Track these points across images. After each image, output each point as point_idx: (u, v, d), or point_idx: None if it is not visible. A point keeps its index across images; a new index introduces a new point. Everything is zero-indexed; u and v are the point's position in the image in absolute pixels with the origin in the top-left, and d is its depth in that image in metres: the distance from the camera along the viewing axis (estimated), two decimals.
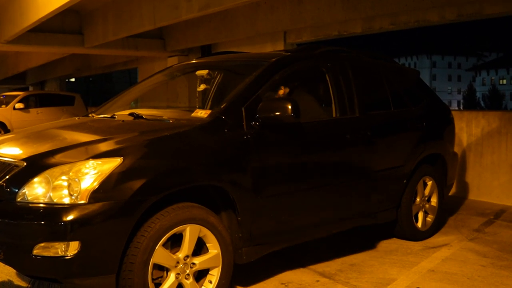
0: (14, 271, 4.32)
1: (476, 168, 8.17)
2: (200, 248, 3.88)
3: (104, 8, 14.28)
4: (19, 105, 19.19)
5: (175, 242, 3.75)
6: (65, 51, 19.48)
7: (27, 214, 3.37)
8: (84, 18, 15.56)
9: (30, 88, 33.91)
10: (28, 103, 19.67)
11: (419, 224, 5.76)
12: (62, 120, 5.79)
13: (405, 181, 5.47)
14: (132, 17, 12.93)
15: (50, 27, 14.80)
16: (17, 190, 3.45)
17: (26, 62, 25.39)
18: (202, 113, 4.21)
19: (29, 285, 4.34)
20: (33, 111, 19.52)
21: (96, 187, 3.34)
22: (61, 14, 12.50)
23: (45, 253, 3.31)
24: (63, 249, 3.29)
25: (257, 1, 10.61)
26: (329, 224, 4.86)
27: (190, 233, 3.73)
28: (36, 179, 3.45)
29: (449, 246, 5.57)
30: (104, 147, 3.72)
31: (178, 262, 3.71)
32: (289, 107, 4.03)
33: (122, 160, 3.47)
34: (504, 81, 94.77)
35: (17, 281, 4.45)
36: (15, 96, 19.80)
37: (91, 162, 3.46)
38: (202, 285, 3.90)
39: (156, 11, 11.86)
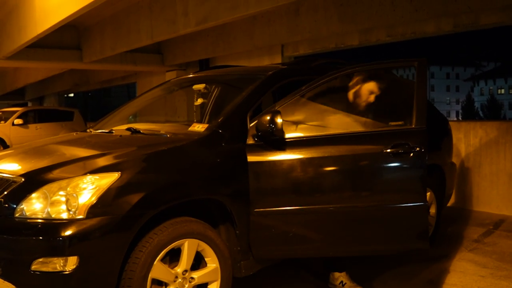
0: (13, 287, 4.30)
1: (475, 178, 8.18)
2: (198, 262, 3.88)
3: (102, 23, 14.33)
4: (18, 121, 19.20)
5: (173, 257, 3.75)
6: (63, 67, 19.52)
7: (25, 229, 3.38)
8: (82, 34, 15.61)
9: (29, 104, 33.94)
10: (27, 118, 19.69)
11: None
12: (60, 135, 5.81)
13: None
14: (129, 32, 12.97)
15: (49, 43, 14.84)
16: (15, 206, 3.46)
17: (25, 77, 25.43)
18: (199, 127, 4.23)
19: None
20: (32, 126, 19.53)
21: (94, 202, 3.35)
22: (59, 30, 12.51)
23: (44, 269, 3.31)
24: (62, 264, 3.28)
25: (254, 15, 10.64)
26: (332, 245, 4.34)
27: (188, 247, 3.73)
28: (34, 195, 3.46)
29: (448, 257, 5.57)
30: (101, 162, 3.73)
31: (176, 277, 3.71)
32: (278, 120, 3.96)
33: (119, 174, 3.48)
34: (502, 91, 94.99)
35: None
36: (14, 112, 19.81)
37: (89, 177, 3.48)
38: None
39: (154, 26, 11.91)
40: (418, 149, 4.10)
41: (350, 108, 4.62)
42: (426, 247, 4.20)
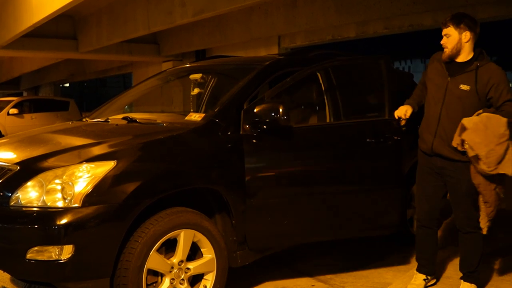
0: (9, 276, 4.29)
1: None
2: (194, 253, 3.87)
3: (98, 13, 14.28)
4: (13, 111, 19.06)
5: (169, 247, 3.74)
6: (59, 56, 19.46)
7: (21, 218, 3.37)
8: (78, 23, 15.55)
9: (24, 94, 33.81)
10: (22, 108, 19.55)
11: (414, 228, 5.73)
12: (56, 124, 5.78)
13: None
14: (126, 22, 12.93)
15: (44, 32, 14.78)
16: (10, 194, 3.44)
17: (20, 67, 25.37)
18: (196, 117, 4.21)
19: None
20: (27, 116, 19.39)
21: (90, 190, 3.33)
22: (55, 19, 12.49)
23: (39, 257, 3.30)
24: (57, 253, 3.28)
25: (251, 6, 10.63)
26: (326, 230, 4.65)
27: (184, 238, 3.72)
28: (29, 183, 3.44)
29: (445, 250, 5.55)
30: (97, 150, 3.72)
31: (172, 267, 3.70)
32: (281, 109, 3.98)
33: (115, 163, 3.47)
34: None
35: (11, 286, 4.42)
36: (9, 102, 19.66)
37: (85, 166, 3.46)
38: None
39: (150, 16, 11.86)
40: (396, 137, 4.65)
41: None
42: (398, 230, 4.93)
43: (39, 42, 15.29)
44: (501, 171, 3.77)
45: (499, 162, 3.76)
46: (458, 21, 4.04)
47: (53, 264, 3.30)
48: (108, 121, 4.72)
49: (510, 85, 4.13)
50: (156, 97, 6.24)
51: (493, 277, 4.78)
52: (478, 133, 3.79)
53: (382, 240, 5.72)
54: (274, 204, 4.24)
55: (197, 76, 5.22)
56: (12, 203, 3.42)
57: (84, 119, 5.14)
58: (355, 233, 4.85)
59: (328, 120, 4.74)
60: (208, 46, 14.37)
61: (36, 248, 3.30)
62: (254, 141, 4.09)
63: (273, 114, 3.99)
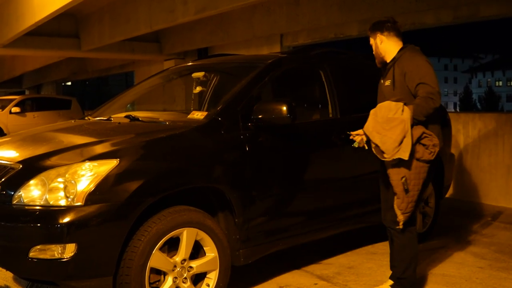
0: (11, 274, 4.29)
1: (473, 170, 8.16)
2: (197, 251, 3.86)
3: (100, 11, 14.28)
4: (16, 109, 19.10)
5: (172, 246, 3.73)
6: (61, 55, 19.45)
7: (23, 216, 3.37)
8: (81, 22, 15.55)
9: (27, 92, 33.79)
10: (25, 107, 19.58)
11: (416, 226, 5.72)
12: (58, 123, 5.78)
13: None
14: (128, 20, 12.92)
15: (47, 31, 14.78)
16: (13, 193, 3.44)
17: (22, 65, 25.35)
18: (198, 115, 4.21)
19: None
20: (29, 115, 19.42)
21: (93, 189, 3.33)
22: (57, 18, 12.48)
23: (42, 256, 3.30)
24: (60, 251, 3.27)
25: (254, 4, 10.61)
26: (329, 225, 4.83)
27: (187, 236, 3.71)
28: (32, 182, 3.44)
29: (447, 248, 5.56)
30: (100, 149, 3.71)
31: (175, 266, 3.69)
32: (284, 108, 4.00)
33: (118, 162, 3.46)
34: (500, 83, 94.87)
35: (14, 285, 4.42)
36: (11, 100, 19.71)
37: (87, 164, 3.46)
38: None
39: (152, 15, 11.86)
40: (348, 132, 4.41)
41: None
42: None
43: (41, 41, 15.29)
44: (397, 156, 3.69)
45: (397, 147, 3.68)
46: (371, 30, 4.17)
47: (56, 262, 3.30)
48: (111, 120, 4.72)
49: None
50: (158, 96, 6.24)
51: (495, 276, 4.77)
52: (370, 122, 3.84)
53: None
54: (277, 202, 4.27)
55: (199, 74, 5.22)
56: (14, 202, 3.42)
57: (86, 118, 5.13)
58: (360, 223, 5.15)
59: (326, 117, 4.96)
60: (210, 44, 14.36)
61: (38, 247, 3.30)
62: (256, 139, 4.10)
63: (276, 112, 4.00)
